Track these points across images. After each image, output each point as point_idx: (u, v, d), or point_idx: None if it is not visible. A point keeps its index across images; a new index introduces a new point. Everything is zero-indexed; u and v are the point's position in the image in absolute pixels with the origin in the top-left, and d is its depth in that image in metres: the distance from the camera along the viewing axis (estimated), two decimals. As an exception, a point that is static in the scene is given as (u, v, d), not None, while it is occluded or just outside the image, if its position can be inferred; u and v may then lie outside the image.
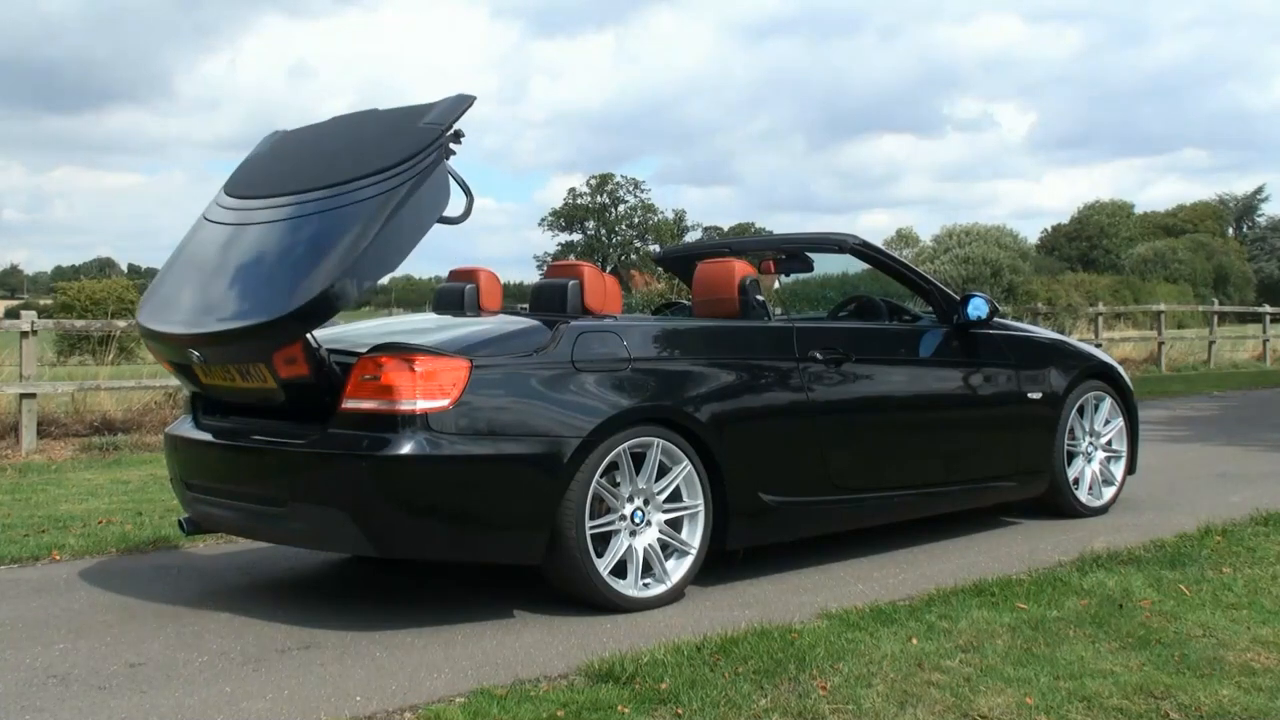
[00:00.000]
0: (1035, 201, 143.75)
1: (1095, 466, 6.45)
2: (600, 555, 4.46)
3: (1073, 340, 6.91)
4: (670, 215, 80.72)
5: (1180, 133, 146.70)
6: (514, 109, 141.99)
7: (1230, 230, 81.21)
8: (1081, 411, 6.35)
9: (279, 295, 4.21)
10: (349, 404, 4.26)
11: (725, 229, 76.70)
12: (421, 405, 4.18)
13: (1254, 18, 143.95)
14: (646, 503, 4.62)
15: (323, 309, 4.16)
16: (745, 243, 6.88)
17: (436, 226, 4.50)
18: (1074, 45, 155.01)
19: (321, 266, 4.17)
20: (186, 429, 4.98)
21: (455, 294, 5.44)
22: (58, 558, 5.67)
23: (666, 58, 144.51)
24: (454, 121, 4.47)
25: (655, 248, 45.28)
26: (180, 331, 4.51)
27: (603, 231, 78.57)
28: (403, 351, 4.28)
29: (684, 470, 4.66)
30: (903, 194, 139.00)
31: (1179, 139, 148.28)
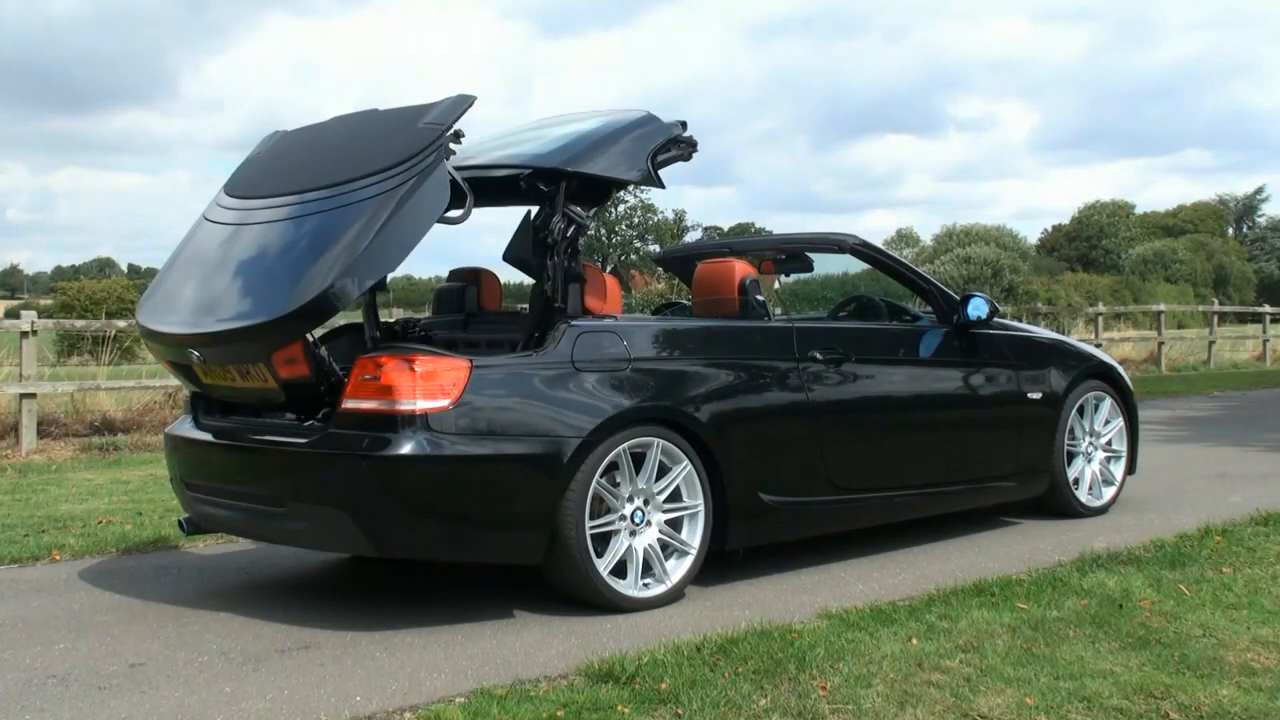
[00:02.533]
0: (1038, 202, 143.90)
1: (1095, 466, 6.45)
2: (600, 555, 4.46)
3: (1073, 340, 6.90)
4: (670, 215, 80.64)
5: (1183, 133, 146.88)
6: (519, 109, 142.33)
7: (1230, 230, 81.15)
8: (1081, 411, 6.35)
9: (279, 295, 4.21)
10: (349, 404, 4.26)
11: (725, 229, 76.60)
12: (421, 405, 4.18)
13: (1259, 18, 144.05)
14: (646, 503, 4.62)
15: (322, 308, 4.15)
16: (745, 243, 6.88)
17: (437, 226, 4.50)
18: (1080, 46, 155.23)
19: (321, 266, 4.16)
20: (186, 429, 4.98)
21: (455, 294, 5.44)
22: (58, 558, 5.67)
23: (671, 58, 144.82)
24: (454, 121, 4.46)
25: (655, 248, 45.25)
26: (180, 331, 4.51)
27: (603, 231, 78.55)
28: (403, 351, 4.28)
29: (684, 470, 4.66)
30: (905, 194, 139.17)
31: (1182, 139, 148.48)
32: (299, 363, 4.29)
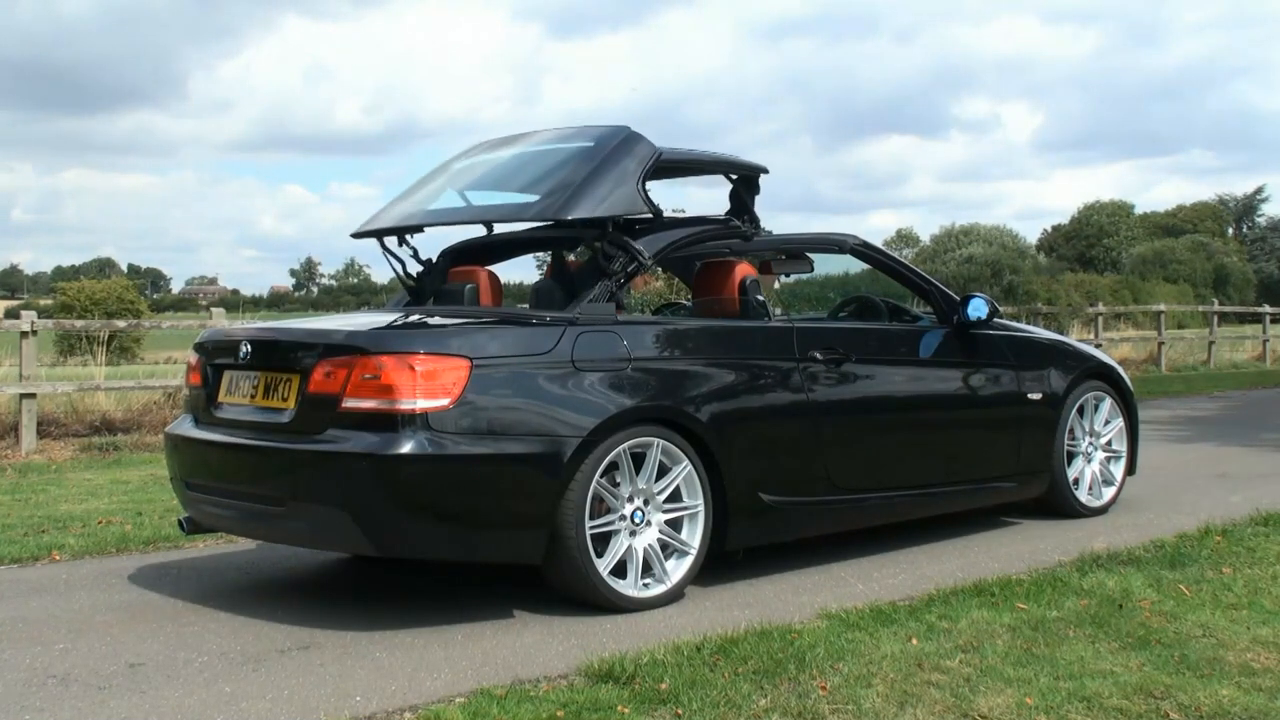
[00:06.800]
0: (1041, 201, 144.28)
1: (1095, 467, 6.45)
2: (600, 555, 4.46)
3: (1073, 340, 6.90)
4: (671, 214, 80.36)
5: (1187, 133, 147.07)
6: (530, 109, 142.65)
7: (1230, 230, 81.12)
8: (1081, 412, 6.35)
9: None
10: (349, 403, 4.26)
11: (725, 229, 76.34)
12: (422, 404, 4.18)
13: (1267, 18, 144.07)
14: (646, 503, 4.62)
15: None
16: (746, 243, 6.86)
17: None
18: (1087, 46, 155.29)
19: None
20: (186, 428, 4.99)
21: (455, 293, 5.43)
22: (58, 558, 5.67)
23: (680, 59, 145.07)
24: None
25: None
26: (251, 326, 5.09)
27: (603, 231, 78.25)
28: (403, 351, 4.28)
29: (684, 470, 4.66)
30: (910, 194, 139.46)
31: (1185, 140, 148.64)
32: (334, 379, 4.30)
